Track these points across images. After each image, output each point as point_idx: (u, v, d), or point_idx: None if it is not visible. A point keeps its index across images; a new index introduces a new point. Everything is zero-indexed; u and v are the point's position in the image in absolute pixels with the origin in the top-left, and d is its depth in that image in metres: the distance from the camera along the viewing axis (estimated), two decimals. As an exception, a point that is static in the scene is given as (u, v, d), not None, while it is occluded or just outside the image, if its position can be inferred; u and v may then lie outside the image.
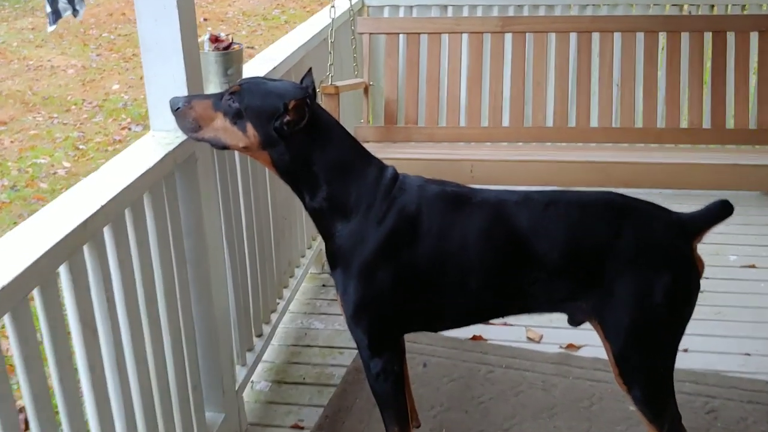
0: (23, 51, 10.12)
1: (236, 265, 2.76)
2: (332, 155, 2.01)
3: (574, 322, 2.10)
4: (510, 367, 2.99)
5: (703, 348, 3.02)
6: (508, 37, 3.67)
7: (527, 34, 3.62)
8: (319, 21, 3.75)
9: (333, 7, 3.36)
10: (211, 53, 2.63)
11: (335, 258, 2.06)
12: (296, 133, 1.96)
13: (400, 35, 3.67)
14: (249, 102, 1.97)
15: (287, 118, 1.94)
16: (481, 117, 3.66)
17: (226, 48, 2.67)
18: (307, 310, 3.44)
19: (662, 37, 3.61)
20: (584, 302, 2.00)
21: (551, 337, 3.05)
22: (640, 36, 3.57)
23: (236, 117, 1.97)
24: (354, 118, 3.92)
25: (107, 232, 1.89)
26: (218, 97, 2.02)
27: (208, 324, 2.49)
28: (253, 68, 3.01)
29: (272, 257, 3.18)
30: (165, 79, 2.29)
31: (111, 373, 1.90)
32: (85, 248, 1.79)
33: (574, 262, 1.96)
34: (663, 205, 2.04)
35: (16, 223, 4.86)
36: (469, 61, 3.67)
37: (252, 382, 2.96)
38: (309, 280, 3.59)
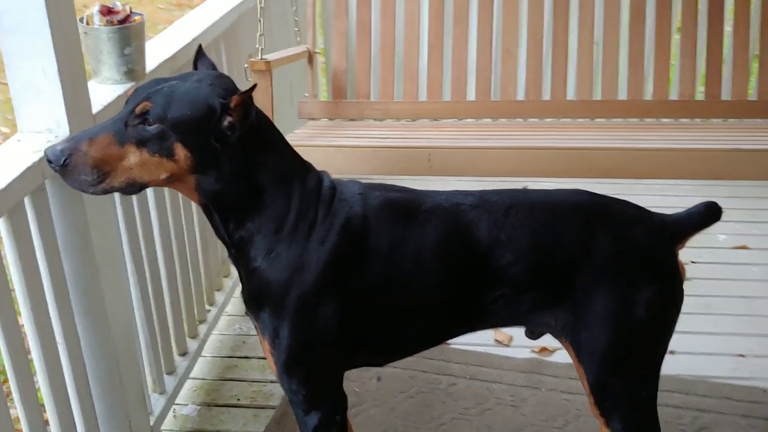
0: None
1: (144, 282, 2.35)
2: (274, 163, 1.65)
3: (533, 334, 1.91)
4: (475, 377, 2.70)
5: (690, 348, 2.73)
6: (474, -4, 3.19)
7: (497, -6, 3.14)
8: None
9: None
10: (103, 29, 2.16)
11: (261, 297, 1.70)
12: (240, 138, 1.56)
13: (350, -5, 3.19)
14: (173, 114, 1.52)
15: (229, 120, 1.52)
16: (443, 90, 3.19)
17: (123, 21, 2.20)
18: (247, 310, 3.04)
19: (650, -4, 3.13)
20: (552, 318, 1.77)
21: (522, 339, 2.68)
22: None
23: (159, 141, 1.51)
24: (297, 93, 3.45)
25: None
26: (119, 123, 1.54)
27: (105, 357, 2.10)
28: (164, 45, 2.54)
29: (199, 261, 2.78)
30: (31, 68, 1.83)
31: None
32: None
33: (541, 275, 1.74)
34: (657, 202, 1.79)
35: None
36: (429, 24, 3.18)
37: (175, 408, 2.59)
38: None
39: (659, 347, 1.78)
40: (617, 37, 3.10)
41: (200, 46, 1.78)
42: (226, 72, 2.82)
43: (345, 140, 2.70)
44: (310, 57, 3.14)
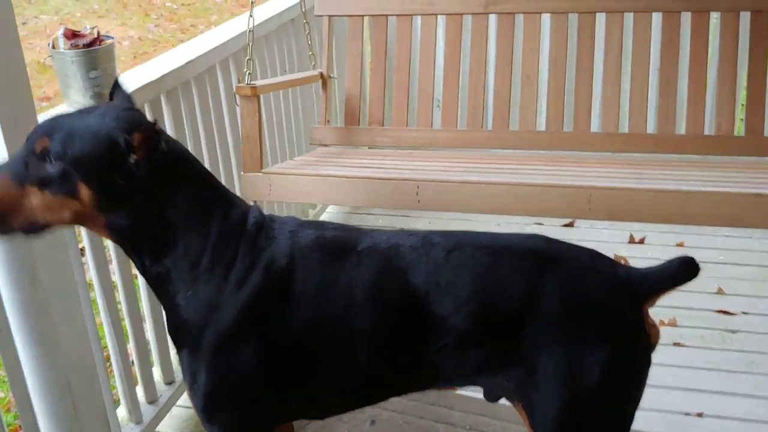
0: (84, 22, 10.01)
1: (114, 306, 2.30)
2: (189, 198, 1.55)
3: (491, 397, 1.73)
4: (476, 428, 2.51)
5: (724, 411, 2.40)
6: (493, 19, 2.98)
7: (516, 15, 2.92)
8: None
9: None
10: (67, 52, 2.14)
11: (180, 336, 1.62)
12: (148, 174, 1.46)
13: (365, 18, 3.06)
14: (73, 152, 1.43)
15: (135, 156, 1.43)
16: (458, 118, 3.02)
17: (90, 44, 2.18)
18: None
19: (685, 18, 2.84)
20: (504, 378, 1.61)
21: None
22: (657, 17, 2.81)
23: (61, 181, 1.43)
24: (311, 118, 3.36)
25: None
26: (18, 162, 1.47)
27: (56, 385, 2.04)
28: (157, 67, 2.51)
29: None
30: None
31: None
32: None
33: (486, 327, 1.57)
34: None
35: None
36: (445, 49, 3.02)
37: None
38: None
39: (620, 415, 1.59)
40: (647, 63, 2.83)
41: (116, 80, 1.69)
42: (223, 98, 2.79)
43: (334, 170, 2.57)
44: (324, 82, 3.05)
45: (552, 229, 3.23)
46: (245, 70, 2.51)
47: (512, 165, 2.67)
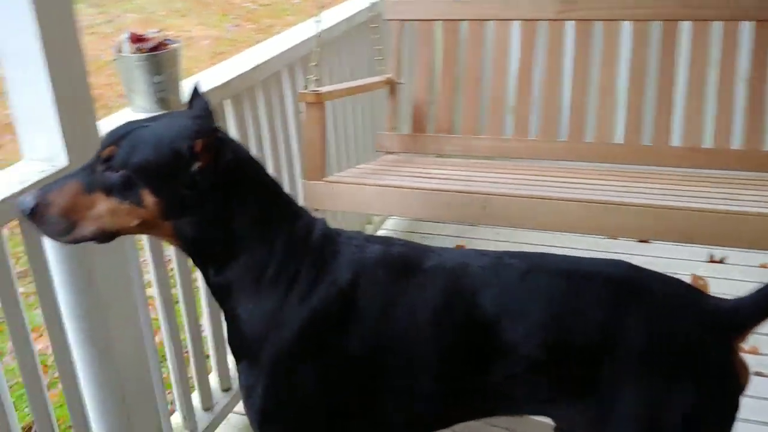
0: (167, 21, 10.21)
1: (170, 310, 2.29)
2: (256, 208, 1.51)
3: (562, 430, 1.63)
4: None
5: None
6: (570, 26, 2.85)
7: (594, 22, 2.79)
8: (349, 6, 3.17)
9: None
10: (132, 57, 2.12)
11: (240, 348, 1.59)
12: (213, 184, 1.44)
13: (437, 22, 2.97)
14: (137, 160, 1.42)
15: (198, 164, 1.41)
16: (530, 128, 2.90)
17: (154, 49, 2.16)
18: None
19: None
20: (576, 412, 1.50)
21: None
22: (746, 26, 2.64)
23: (126, 188, 1.43)
24: (378, 125, 3.29)
25: None
26: (88, 170, 1.47)
27: (110, 390, 2.04)
28: (225, 71, 2.48)
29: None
30: (29, 96, 1.82)
31: None
32: None
33: (557, 358, 1.48)
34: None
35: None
36: (519, 56, 2.90)
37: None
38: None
39: None
40: (734, 74, 2.66)
41: (195, 85, 1.66)
42: (290, 103, 2.74)
43: (398, 179, 2.49)
44: (392, 87, 2.97)
45: (626, 244, 3.07)
46: (309, 75, 2.45)
47: (586, 179, 2.54)
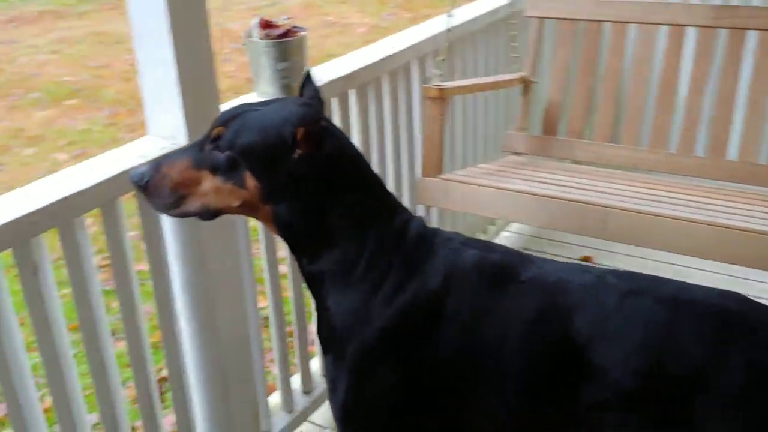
0: (327, 6, 10.44)
1: (278, 294, 2.32)
2: (353, 201, 1.51)
3: None
4: None
5: None
6: (722, 34, 2.66)
7: (750, 31, 2.58)
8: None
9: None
10: (260, 42, 2.17)
11: (327, 340, 1.58)
12: (311, 172, 1.45)
13: (579, 22, 2.84)
14: (243, 142, 1.46)
15: (299, 151, 1.43)
16: (669, 140, 2.72)
17: (282, 36, 2.19)
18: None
19: None
20: None
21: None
22: None
23: (230, 169, 1.47)
24: (506, 123, 3.20)
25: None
26: (197, 147, 1.52)
27: (211, 366, 2.11)
28: (351, 62, 2.48)
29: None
30: (156, 76, 1.89)
31: None
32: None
33: (651, 389, 1.40)
34: None
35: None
36: (663, 63, 2.73)
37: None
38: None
39: None
40: None
41: (308, 72, 1.66)
42: (416, 95, 2.71)
43: (517, 183, 2.41)
44: (526, 86, 2.88)
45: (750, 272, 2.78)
46: (435, 70, 2.41)
47: (723, 201, 2.35)
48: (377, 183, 1.57)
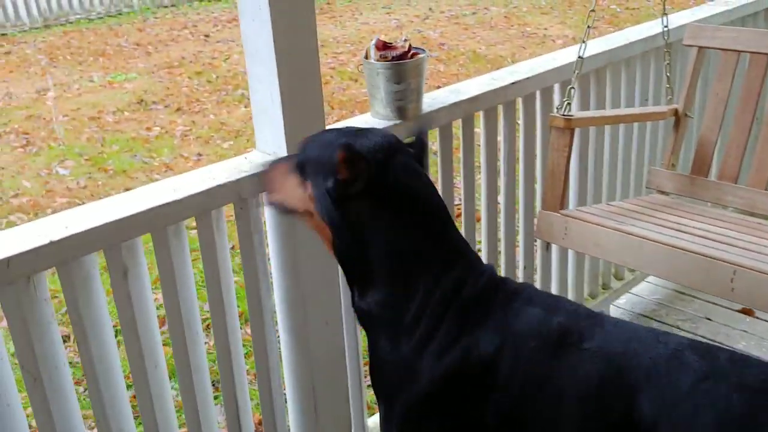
0: (527, 17, 10.29)
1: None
2: (398, 241, 1.48)
3: None
4: None
5: None
6: None
7: None
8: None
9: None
10: (377, 63, 2.17)
11: (379, 384, 1.57)
12: (354, 200, 1.47)
13: (742, 54, 2.57)
14: (307, 154, 1.58)
15: (339, 175, 1.47)
16: (835, 191, 2.40)
17: (399, 57, 2.18)
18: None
19: None
20: None
21: None
22: None
23: (300, 174, 1.58)
24: (651, 158, 2.96)
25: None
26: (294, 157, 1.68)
27: (300, 390, 2.17)
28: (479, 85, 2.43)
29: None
30: (263, 93, 1.96)
31: None
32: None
33: None
34: None
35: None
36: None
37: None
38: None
39: None
40: None
41: (421, 134, 1.65)
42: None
43: (643, 227, 2.22)
44: (678, 120, 2.65)
45: None
46: (564, 99, 2.28)
47: None
48: (439, 225, 1.51)
